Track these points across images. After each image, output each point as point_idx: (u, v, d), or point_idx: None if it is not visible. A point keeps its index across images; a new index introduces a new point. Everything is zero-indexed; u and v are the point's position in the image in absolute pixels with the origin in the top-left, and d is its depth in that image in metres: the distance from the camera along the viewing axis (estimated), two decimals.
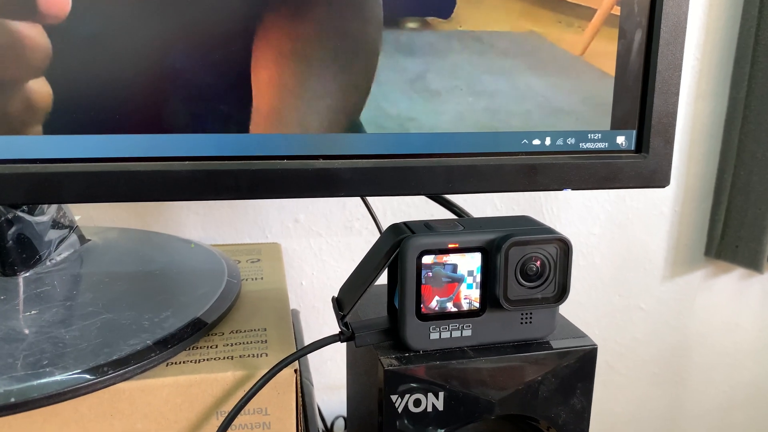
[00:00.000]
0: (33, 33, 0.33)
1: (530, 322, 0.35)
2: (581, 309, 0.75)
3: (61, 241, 0.45)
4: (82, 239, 0.48)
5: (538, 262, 0.34)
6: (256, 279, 0.48)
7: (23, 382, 0.30)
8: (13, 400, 0.29)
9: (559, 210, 0.70)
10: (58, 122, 0.34)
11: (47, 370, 0.31)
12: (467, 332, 0.34)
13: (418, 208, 0.65)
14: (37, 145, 0.34)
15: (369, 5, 0.36)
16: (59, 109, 0.34)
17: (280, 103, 0.36)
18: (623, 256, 0.74)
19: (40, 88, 0.34)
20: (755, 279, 0.78)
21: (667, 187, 0.72)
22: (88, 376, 0.31)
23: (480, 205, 0.67)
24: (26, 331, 0.35)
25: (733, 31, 0.69)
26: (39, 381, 0.30)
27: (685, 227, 0.74)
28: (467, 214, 0.47)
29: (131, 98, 0.34)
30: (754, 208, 0.69)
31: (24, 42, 0.33)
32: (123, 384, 0.32)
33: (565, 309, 0.74)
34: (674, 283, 0.76)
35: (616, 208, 0.72)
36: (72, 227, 0.47)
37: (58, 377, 0.31)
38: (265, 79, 0.36)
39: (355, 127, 0.37)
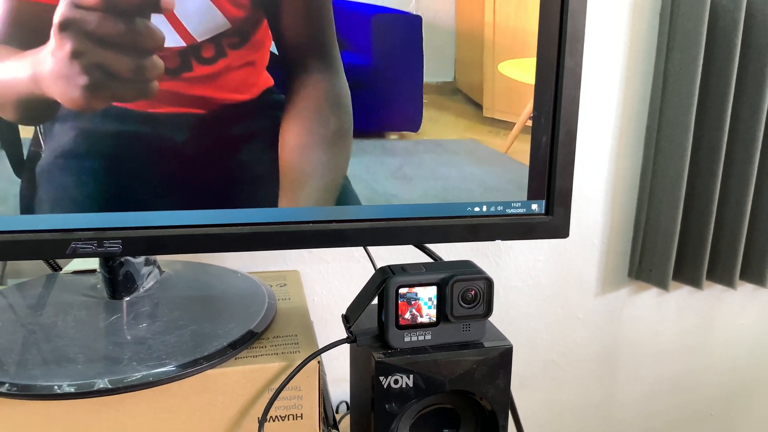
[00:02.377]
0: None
1: (469, 330, 0.52)
2: (532, 319, 0.92)
3: (149, 274, 0.62)
4: (161, 271, 0.65)
5: (473, 292, 0.51)
6: (285, 299, 0.65)
7: (154, 369, 0.47)
8: (151, 379, 0.46)
9: (512, 243, 0.87)
10: (165, 203, 0.51)
11: (165, 361, 0.48)
12: (428, 336, 0.51)
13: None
14: (153, 218, 0.51)
15: (343, 119, 0.53)
16: (168, 194, 0.51)
17: (295, 183, 0.53)
18: (563, 277, 0.91)
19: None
20: (669, 294, 0.95)
21: (596, 224, 0.90)
22: (189, 366, 0.48)
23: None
24: (145, 337, 0.52)
25: (644, 104, 0.87)
26: (162, 369, 0.47)
27: (612, 255, 0.92)
28: (436, 256, 0.64)
29: (210, 186, 0.52)
30: (662, 241, 0.87)
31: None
32: (209, 371, 0.49)
33: (518, 319, 0.91)
34: (605, 298, 0.93)
35: (557, 240, 0.89)
36: (155, 263, 0.64)
37: (172, 366, 0.48)
38: (286, 169, 0.53)
39: (355, 200, 0.54)
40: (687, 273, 0.89)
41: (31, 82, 0.46)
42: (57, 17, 0.44)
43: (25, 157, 0.50)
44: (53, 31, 0.44)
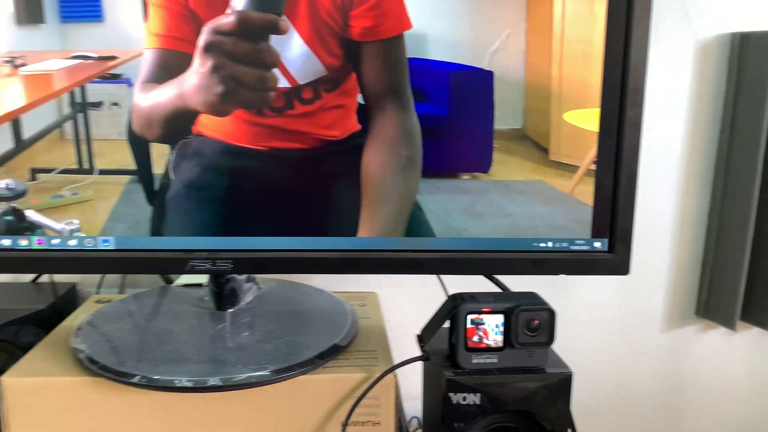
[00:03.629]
0: None
1: (532, 356, 0.55)
2: (596, 351, 0.93)
3: (249, 290, 0.70)
4: (259, 287, 0.72)
5: (537, 321, 0.55)
6: (365, 318, 0.70)
7: (255, 372, 0.54)
8: (253, 380, 0.53)
9: (579, 277, 0.89)
10: (268, 230, 0.58)
11: (265, 365, 0.54)
12: (494, 360, 0.55)
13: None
14: (258, 242, 0.58)
15: (414, 150, 0.58)
16: (271, 222, 0.58)
17: (374, 208, 0.59)
18: (629, 311, 0.92)
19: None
20: (737, 335, 0.94)
21: (663, 261, 0.91)
22: (284, 372, 0.54)
23: None
24: (246, 344, 0.59)
25: (712, 145, 0.87)
26: (262, 372, 0.54)
27: (678, 292, 0.92)
28: (504, 286, 0.68)
29: (305, 216, 0.58)
30: (729, 281, 0.86)
31: None
32: (301, 377, 0.55)
33: (583, 351, 0.93)
34: (670, 334, 0.93)
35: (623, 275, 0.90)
36: (254, 280, 0.71)
37: (271, 371, 0.54)
38: (367, 197, 0.59)
39: (429, 232, 0.59)
40: (756, 314, 0.87)
41: (175, 98, 0.55)
42: (201, 42, 0.53)
43: (156, 189, 0.59)
44: (197, 53, 0.53)
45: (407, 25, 0.56)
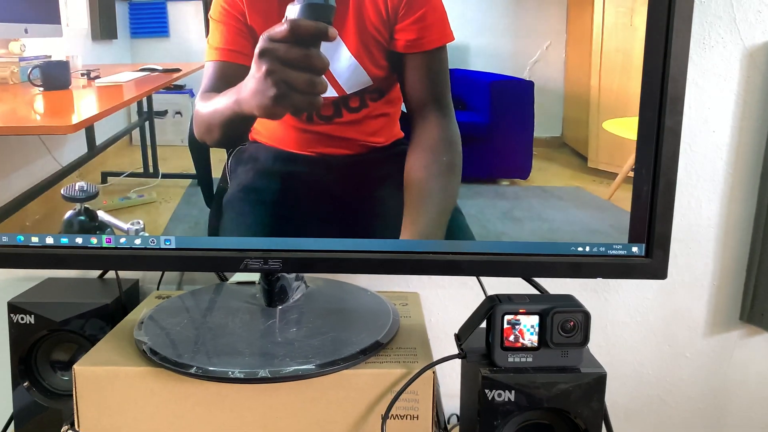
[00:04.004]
0: None
1: (567, 356, 0.57)
2: (638, 354, 0.93)
3: (298, 288, 0.73)
4: (306, 286, 0.76)
5: (572, 323, 0.56)
6: (406, 317, 0.73)
7: (302, 365, 0.57)
8: (300, 373, 0.56)
9: (621, 281, 0.89)
10: (315, 232, 0.61)
11: (311, 359, 0.58)
12: (529, 359, 0.57)
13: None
14: (306, 243, 0.62)
15: (454, 155, 0.60)
16: (318, 224, 0.61)
17: (416, 211, 0.61)
18: (671, 315, 0.91)
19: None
20: None
21: (706, 266, 0.90)
22: (328, 366, 0.57)
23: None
24: (294, 339, 0.62)
25: (759, 151, 0.86)
26: (308, 366, 0.57)
27: (722, 297, 0.91)
28: (542, 289, 0.69)
29: (351, 219, 0.61)
30: None
31: None
32: (344, 371, 0.58)
33: (623, 353, 0.92)
34: (714, 339, 0.92)
35: (665, 280, 0.89)
36: (302, 279, 0.75)
37: (316, 365, 0.57)
38: (409, 201, 0.61)
39: (469, 235, 0.61)
40: None
41: (233, 104, 0.58)
42: (257, 49, 0.56)
43: (214, 192, 0.63)
44: (253, 60, 0.56)
45: (450, 37, 0.58)
